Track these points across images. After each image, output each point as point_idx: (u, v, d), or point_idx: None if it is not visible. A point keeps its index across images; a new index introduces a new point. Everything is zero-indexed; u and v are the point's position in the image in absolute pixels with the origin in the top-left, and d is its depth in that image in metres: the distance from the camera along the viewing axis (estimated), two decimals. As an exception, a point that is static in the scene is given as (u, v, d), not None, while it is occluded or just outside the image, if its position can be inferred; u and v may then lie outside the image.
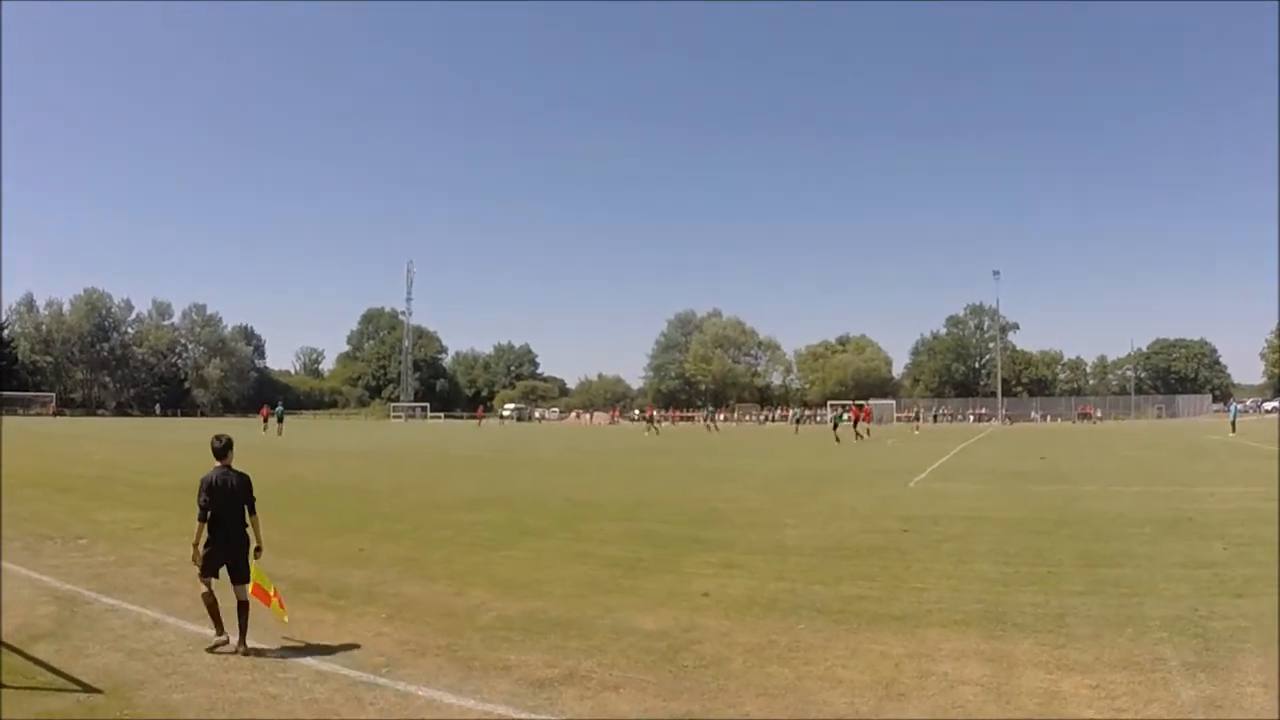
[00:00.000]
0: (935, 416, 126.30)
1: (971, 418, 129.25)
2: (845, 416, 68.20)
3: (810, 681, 8.51)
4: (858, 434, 61.58)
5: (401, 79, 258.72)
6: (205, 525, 9.84)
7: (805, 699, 8.05)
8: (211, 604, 9.85)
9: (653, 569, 14.01)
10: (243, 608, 9.82)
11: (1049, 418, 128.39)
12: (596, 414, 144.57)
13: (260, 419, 79.66)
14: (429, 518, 20.07)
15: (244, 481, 10.24)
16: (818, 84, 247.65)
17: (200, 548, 9.87)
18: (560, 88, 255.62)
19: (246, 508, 10.21)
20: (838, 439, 58.45)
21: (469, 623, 10.75)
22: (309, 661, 9.21)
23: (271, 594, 9.96)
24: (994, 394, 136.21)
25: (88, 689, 8.36)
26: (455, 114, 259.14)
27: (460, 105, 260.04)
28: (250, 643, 9.70)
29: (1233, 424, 67.60)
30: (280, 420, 71.99)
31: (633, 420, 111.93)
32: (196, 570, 9.95)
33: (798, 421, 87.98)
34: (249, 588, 9.86)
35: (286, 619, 10.13)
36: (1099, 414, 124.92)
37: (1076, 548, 15.47)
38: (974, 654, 9.25)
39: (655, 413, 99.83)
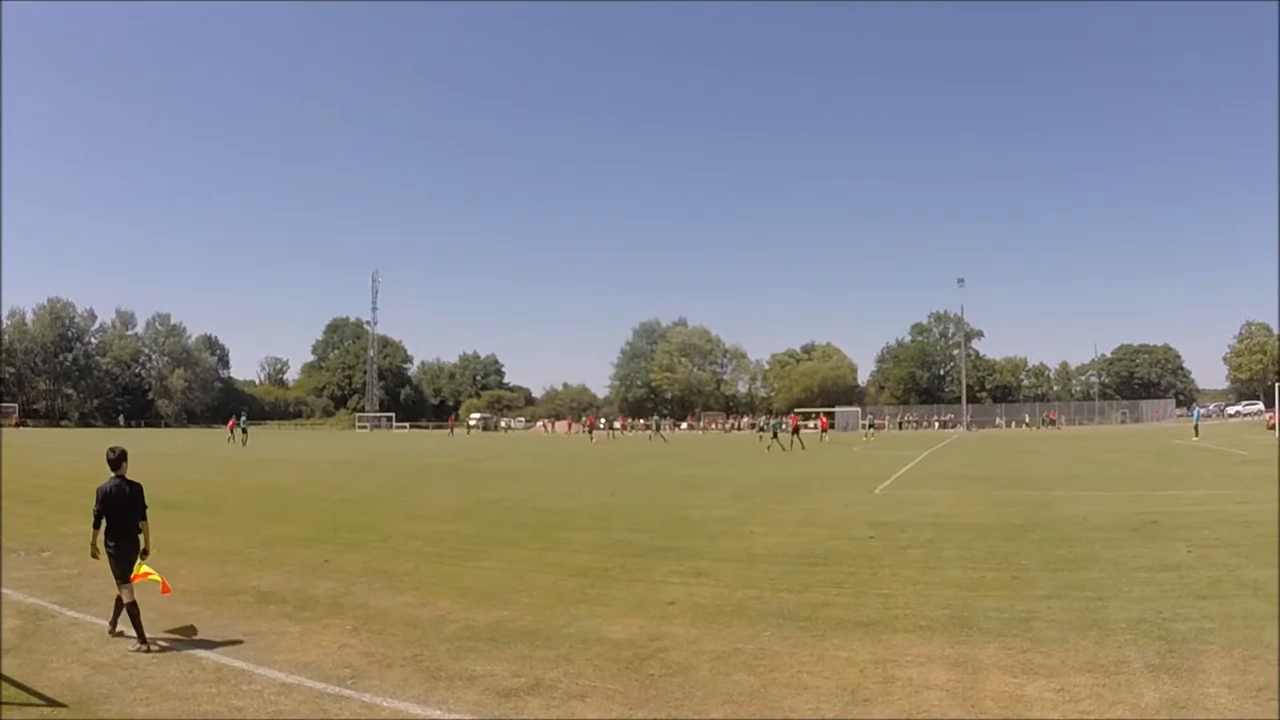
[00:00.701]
0: (901, 423, 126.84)
1: (936, 424, 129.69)
2: (785, 425, 68.37)
3: (776, 688, 8.53)
4: (795, 442, 61.83)
5: (366, 86, 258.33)
6: (99, 531, 10.60)
7: (771, 705, 8.07)
8: (135, 610, 10.38)
9: (621, 578, 14.02)
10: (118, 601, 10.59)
11: (1013, 424, 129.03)
12: (558, 423, 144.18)
13: (227, 429, 79.65)
14: (397, 528, 19.97)
15: (137, 490, 10.93)
16: (781, 91, 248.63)
17: (103, 549, 10.59)
18: (525, 97, 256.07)
19: (139, 515, 10.88)
20: (773, 447, 59.12)
21: (435, 633, 10.71)
22: (274, 674, 9.13)
23: (148, 573, 10.59)
24: (959, 400, 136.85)
25: (52, 703, 8.31)
26: (422, 124, 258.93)
27: (424, 115, 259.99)
28: (190, 648, 9.89)
29: (1196, 428, 68.29)
30: (245, 430, 72.00)
31: (599, 429, 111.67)
32: (114, 576, 10.54)
33: (761, 430, 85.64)
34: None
35: (165, 594, 10.97)
36: (1063, 419, 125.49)
37: (1043, 552, 15.56)
38: (939, 659, 9.30)
39: (594, 422, 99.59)
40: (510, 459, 51.56)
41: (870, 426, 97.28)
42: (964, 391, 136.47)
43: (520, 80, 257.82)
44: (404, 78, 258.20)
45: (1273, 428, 70.35)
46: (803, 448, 58.60)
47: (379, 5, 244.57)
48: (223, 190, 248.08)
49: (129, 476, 10.94)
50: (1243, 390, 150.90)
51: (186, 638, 10.57)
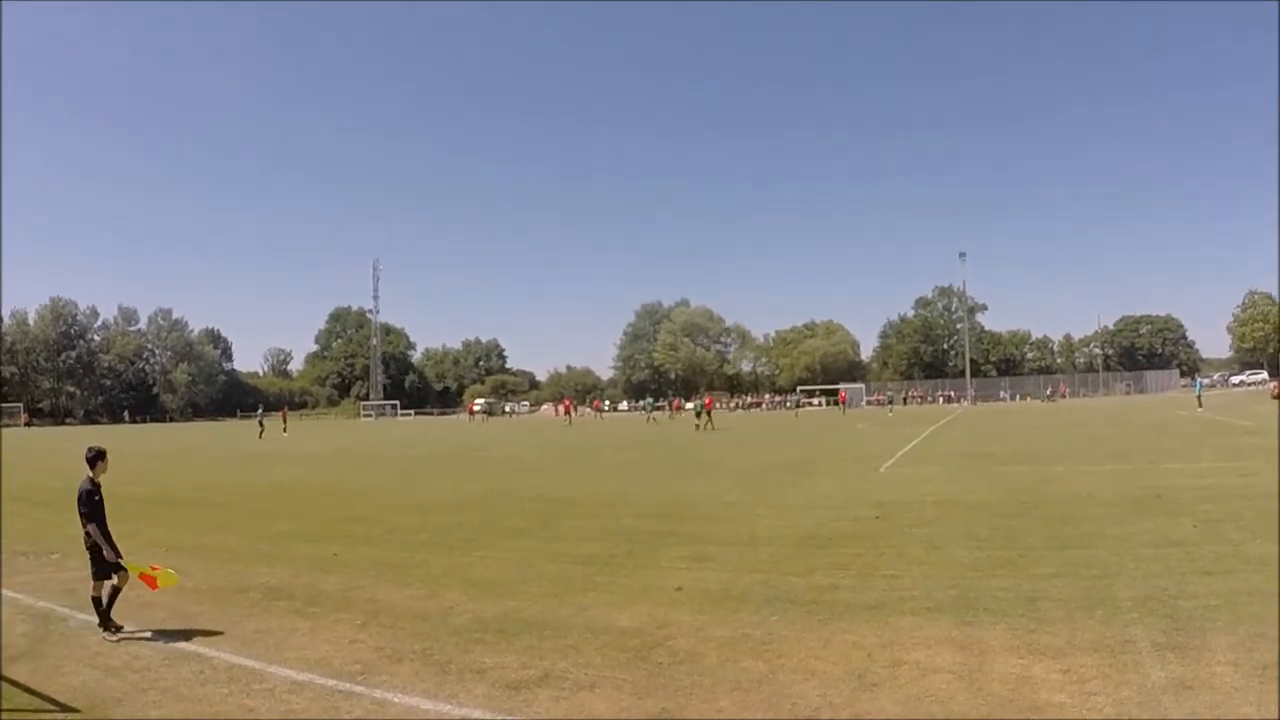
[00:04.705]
0: (905, 399, 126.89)
1: (941, 399, 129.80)
2: (702, 406, 67.19)
3: (784, 674, 8.54)
4: (702, 425, 62.10)
5: (364, 80, 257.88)
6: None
7: (779, 692, 8.08)
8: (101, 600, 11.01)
9: (627, 565, 14.05)
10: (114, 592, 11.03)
11: (1018, 397, 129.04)
12: (546, 406, 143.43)
13: (280, 420, 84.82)
14: (404, 520, 19.96)
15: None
16: (783, 71, 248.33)
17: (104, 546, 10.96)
18: (521, 83, 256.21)
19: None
20: (698, 428, 60.49)
21: (444, 626, 10.72)
22: (285, 672, 9.14)
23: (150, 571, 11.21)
24: (963, 374, 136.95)
25: (65, 708, 8.32)
26: (420, 113, 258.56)
27: (422, 105, 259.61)
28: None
29: (1199, 399, 68.50)
30: (261, 424, 72.46)
31: (602, 411, 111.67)
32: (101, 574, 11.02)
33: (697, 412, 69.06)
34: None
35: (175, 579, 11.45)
36: (1065, 392, 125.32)
37: (1047, 530, 15.58)
38: (946, 641, 9.31)
39: (572, 405, 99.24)
40: (513, 446, 51.80)
41: (890, 402, 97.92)
42: (967, 366, 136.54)
43: (516, 68, 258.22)
44: (400, 71, 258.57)
45: (1277, 397, 70.60)
46: (713, 428, 60.00)
47: (376, 5, 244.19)
48: (223, 183, 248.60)
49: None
50: (1246, 359, 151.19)
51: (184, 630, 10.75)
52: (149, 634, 10.69)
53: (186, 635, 10.59)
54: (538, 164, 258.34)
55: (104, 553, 10.81)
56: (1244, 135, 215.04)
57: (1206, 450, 30.32)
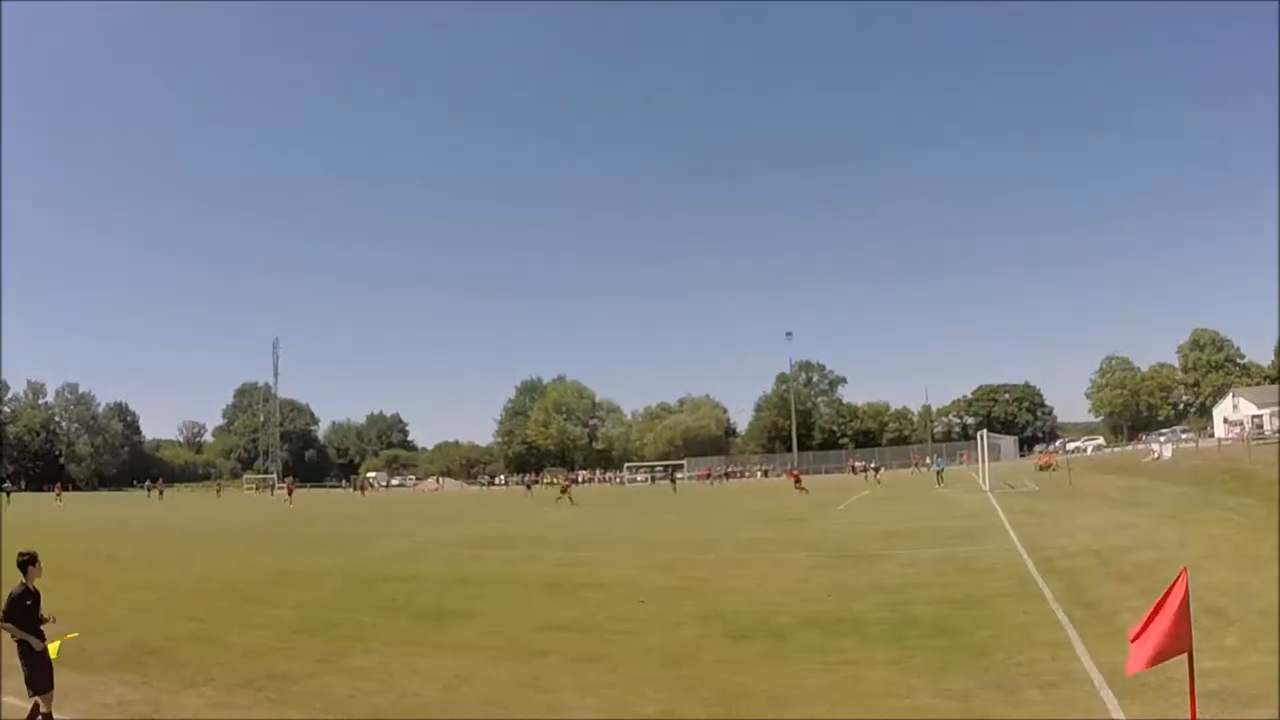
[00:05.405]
0: (764, 472, 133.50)
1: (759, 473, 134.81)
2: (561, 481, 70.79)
3: None
4: (562, 498, 65.32)
5: (260, 145, 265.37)
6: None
7: None
8: None
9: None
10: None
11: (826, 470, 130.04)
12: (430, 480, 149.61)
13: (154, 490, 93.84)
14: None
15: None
16: (649, 145, 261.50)
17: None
18: (405, 158, 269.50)
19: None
20: (568, 500, 63.83)
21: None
22: None
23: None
24: (824, 447, 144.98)
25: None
26: (324, 187, 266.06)
27: (321, 179, 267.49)
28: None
29: (939, 475, 70.70)
30: (155, 492, 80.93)
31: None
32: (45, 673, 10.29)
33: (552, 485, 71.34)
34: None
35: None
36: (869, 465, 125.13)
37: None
38: None
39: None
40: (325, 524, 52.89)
41: (875, 470, 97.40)
42: (794, 437, 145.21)
43: (406, 146, 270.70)
44: (299, 140, 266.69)
45: (1043, 467, 74.56)
46: (568, 501, 62.75)
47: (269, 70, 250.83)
48: (138, 253, 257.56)
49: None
50: (1111, 424, 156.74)
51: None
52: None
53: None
54: (439, 229, 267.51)
55: (32, 645, 10.10)
56: (1111, 197, 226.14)
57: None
